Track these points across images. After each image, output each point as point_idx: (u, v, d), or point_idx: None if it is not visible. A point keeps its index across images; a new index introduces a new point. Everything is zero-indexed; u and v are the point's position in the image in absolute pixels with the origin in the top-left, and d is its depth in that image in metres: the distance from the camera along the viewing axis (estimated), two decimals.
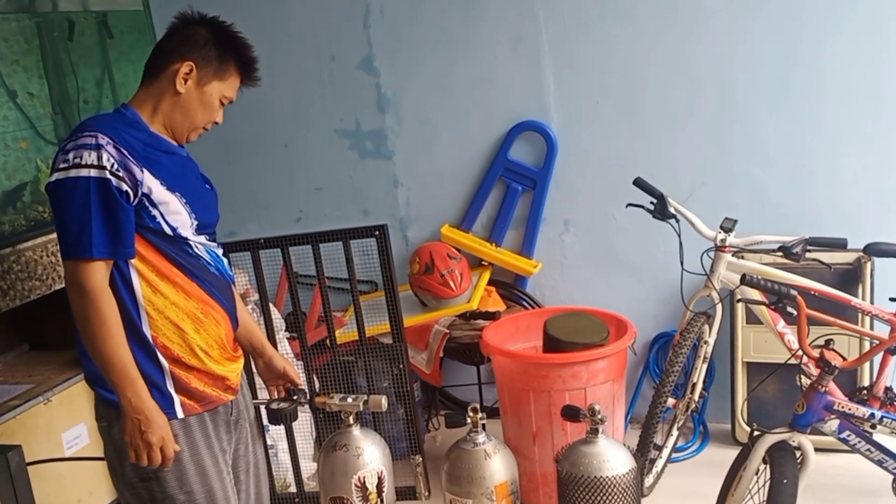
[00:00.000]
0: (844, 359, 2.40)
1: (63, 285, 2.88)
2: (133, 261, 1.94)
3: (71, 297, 1.90)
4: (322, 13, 3.96)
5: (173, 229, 1.97)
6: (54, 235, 2.92)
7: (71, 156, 1.86)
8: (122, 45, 3.67)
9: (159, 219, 1.95)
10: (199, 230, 2.03)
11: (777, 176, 3.55)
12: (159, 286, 1.97)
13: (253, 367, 2.40)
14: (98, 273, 1.87)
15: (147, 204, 1.92)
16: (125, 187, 1.87)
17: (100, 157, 1.85)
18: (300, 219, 4.24)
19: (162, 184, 1.95)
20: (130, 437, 1.91)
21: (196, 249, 2.03)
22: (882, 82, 3.35)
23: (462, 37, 3.81)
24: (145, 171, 1.91)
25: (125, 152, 1.89)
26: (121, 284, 1.93)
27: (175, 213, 1.97)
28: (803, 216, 3.48)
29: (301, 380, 2.35)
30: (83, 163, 1.85)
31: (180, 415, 2.01)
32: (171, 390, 2.00)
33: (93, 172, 1.85)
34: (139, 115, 2.02)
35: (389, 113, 4.01)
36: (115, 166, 1.86)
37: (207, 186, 2.15)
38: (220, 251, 2.13)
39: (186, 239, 2.00)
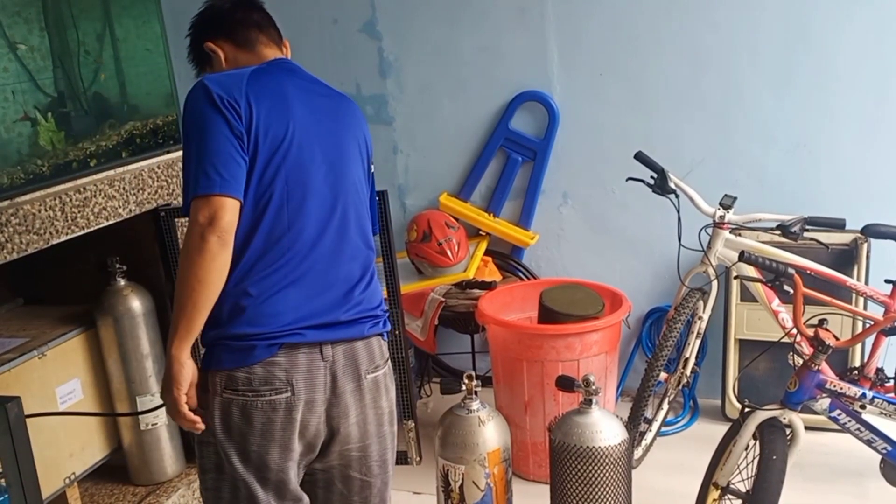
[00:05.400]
0: (838, 338, 2.41)
1: (60, 240, 2.87)
2: None
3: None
4: None
5: None
6: (52, 189, 2.91)
7: None
8: (124, 0, 3.62)
9: None
10: None
11: (777, 155, 3.55)
12: None
13: None
14: None
15: None
16: None
17: None
18: None
19: None
20: None
21: None
22: (886, 65, 3.35)
23: (466, 3, 3.78)
24: None
25: None
26: None
27: None
28: (802, 196, 3.49)
29: None
30: None
31: None
32: None
33: None
34: None
35: (391, 78, 3.98)
36: None
37: None
38: None
39: None
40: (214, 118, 1.77)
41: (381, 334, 2.00)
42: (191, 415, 1.82)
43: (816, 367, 2.41)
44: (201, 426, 1.84)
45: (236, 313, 1.81)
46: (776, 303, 3.17)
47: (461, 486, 2.45)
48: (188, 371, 1.80)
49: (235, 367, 1.82)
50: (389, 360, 2.04)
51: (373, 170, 2.10)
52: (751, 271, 3.04)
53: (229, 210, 1.75)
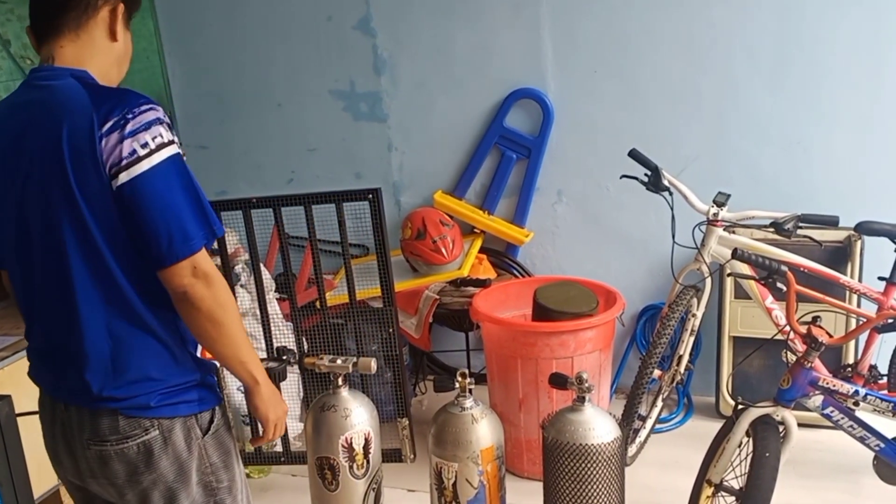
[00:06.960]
0: (831, 336, 2.42)
1: None
2: None
3: (202, 295, 1.62)
4: None
5: None
6: None
7: (149, 137, 1.57)
8: None
9: None
10: None
11: (771, 152, 3.55)
12: None
13: None
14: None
15: None
16: None
17: (171, 130, 1.64)
18: (292, 180, 4.21)
19: None
20: (276, 413, 1.85)
21: None
22: (880, 64, 3.35)
23: (461, 1, 3.78)
24: None
25: None
26: None
27: None
28: (796, 193, 3.49)
29: None
30: (165, 141, 1.60)
31: None
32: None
33: (176, 149, 1.62)
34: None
35: (385, 75, 3.98)
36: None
37: None
38: None
39: None
40: None
41: (118, 410, 1.70)
42: None
43: (809, 365, 2.41)
44: None
45: None
46: (770, 300, 3.17)
47: (454, 484, 2.44)
48: None
49: None
50: (146, 443, 1.71)
51: (133, 174, 1.56)
52: (744, 268, 3.05)
53: None
